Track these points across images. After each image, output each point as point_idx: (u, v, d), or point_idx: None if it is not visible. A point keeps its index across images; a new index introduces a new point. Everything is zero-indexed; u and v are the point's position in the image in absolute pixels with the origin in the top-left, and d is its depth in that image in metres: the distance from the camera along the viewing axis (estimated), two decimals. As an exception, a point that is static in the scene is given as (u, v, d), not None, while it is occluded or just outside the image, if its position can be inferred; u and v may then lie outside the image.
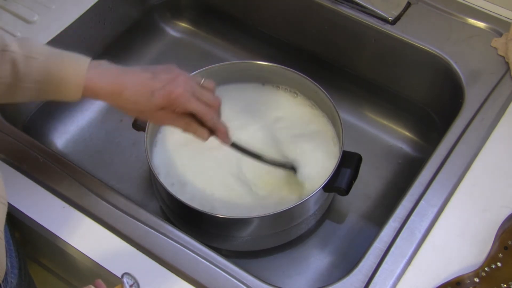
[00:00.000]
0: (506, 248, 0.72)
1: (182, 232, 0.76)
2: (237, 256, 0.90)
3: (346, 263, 0.89)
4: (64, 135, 1.06)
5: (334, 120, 0.91)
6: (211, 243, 0.82)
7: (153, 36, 1.18)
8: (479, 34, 0.96)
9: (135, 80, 0.70)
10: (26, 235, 0.83)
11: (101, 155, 1.03)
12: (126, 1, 1.10)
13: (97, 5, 1.02)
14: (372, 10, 0.98)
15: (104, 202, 0.78)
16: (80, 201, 0.78)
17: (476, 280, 0.70)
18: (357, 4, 0.99)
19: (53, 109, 1.04)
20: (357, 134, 1.05)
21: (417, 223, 0.76)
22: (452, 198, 0.78)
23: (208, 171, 0.89)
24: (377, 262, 0.73)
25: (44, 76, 0.66)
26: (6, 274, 0.72)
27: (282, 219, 0.84)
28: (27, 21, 0.98)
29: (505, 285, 0.69)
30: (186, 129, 0.73)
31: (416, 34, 0.96)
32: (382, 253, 0.74)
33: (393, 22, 0.97)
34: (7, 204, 0.67)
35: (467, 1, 1.00)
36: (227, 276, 0.72)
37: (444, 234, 0.75)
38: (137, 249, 0.75)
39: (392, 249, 0.74)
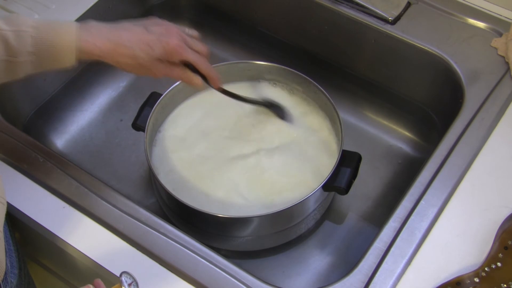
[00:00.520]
0: (506, 248, 0.72)
1: (182, 232, 0.76)
2: (236, 256, 0.90)
3: (346, 263, 0.89)
4: (64, 135, 1.06)
5: (333, 120, 0.91)
6: (211, 243, 0.82)
7: (153, 36, 1.18)
8: (479, 34, 0.96)
9: (129, 35, 0.71)
10: (26, 235, 0.83)
11: (101, 155, 1.03)
12: (126, 1, 1.11)
13: (97, 5, 1.02)
14: (372, 10, 0.98)
15: (104, 202, 0.78)
16: (80, 201, 0.78)
17: (476, 280, 0.70)
18: (357, 4, 0.99)
19: (53, 109, 1.04)
20: (357, 134, 1.05)
21: (417, 223, 0.76)
22: (452, 198, 0.78)
23: (208, 170, 0.89)
24: (377, 262, 0.73)
25: (37, 46, 0.67)
26: (6, 274, 0.72)
27: (281, 218, 0.84)
28: (27, 21, 0.98)
29: (505, 285, 0.69)
30: (181, 78, 0.77)
31: (416, 34, 0.96)
32: (382, 253, 0.74)
33: (393, 22, 0.97)
34: (6, 204, 0.67)
35: (467, 1, 1.00)
36: (227, 276, 0.72)
37: (444, 234, 0.75)
38: (137, 249, 0.75)
39: (392, 249, 0.74)
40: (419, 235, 0.75)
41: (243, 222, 0.83)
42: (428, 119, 1.02)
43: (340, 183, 0.82)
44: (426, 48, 0.95)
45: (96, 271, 0.74)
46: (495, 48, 0.94)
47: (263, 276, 0.75)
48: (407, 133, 1.05)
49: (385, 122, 1.07)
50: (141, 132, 0.88)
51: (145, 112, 0.90)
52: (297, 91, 0.97)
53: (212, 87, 0.81)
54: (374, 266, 0.73)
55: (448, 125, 0.86)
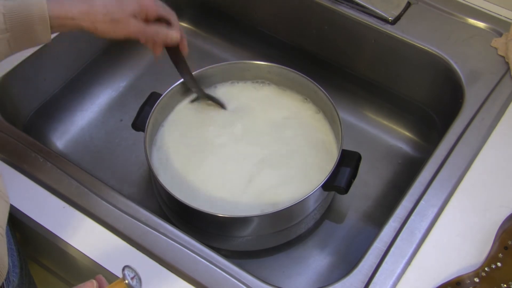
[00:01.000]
0: (506, 248, 0.72)
1: (182, 232, 0.76)
2: (236, 256, 0.90)
3: (346, 263, 0.89)
4: (64, 135, 1.06)
5: (333, 120, 0.91)
6: (211, 242, 0.82)
7: (153, 36, 1.18)
8: (479, 34, 0.96)
9: None
10: (26, 235, 0.83)
11: (101, 155, 1.04)
12: (126, 1, 1.10)
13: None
14: (372, 10, 0.98)
15: (104, 202, 0.78)
16: (80, 201, 0.78)
17: (476, 280, 0.70)
18: (357, 4, 0.99)
19: (53, 109, 1.04)
20: (357, 134, 1.05)
21: (417, 223, 0.76)
22: (452, 198, 0.78)
23: (207, 170, 0.89)
24: (377, 262, 0.73)
25: (10, 23, 0.67)
26: (8, 273, 0.72)
27: (281, 218, 0.84)
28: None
29: (505, 285, 0.69)
30: (158, 33, 0.77)
31: (416, 34, 0.96)
32: (382, 253, 0.74)
33: (393, 22, 0.97)
34: (9, 202, 0.67)
35: (467, 1, 1.00)
36: (227, 276, 0.72)
37: (444, 234, 0.75)
38: (137, 249, 0.75)
39: (392, 249, 0.74)
40: (419, 235, 0.75)
41: (243, 222, 0.83)
42: (428, 119, 1.02)
43: (340, 183, 0.82)
44: (426, 48, 0.95)
45: (96, 271, 0.74)
46: (495, 48, 0.94)
47: (263, 276, 0.75)
48: (407, 133, 1.05)
49: (385, 122, 1.07)
50: (141, 132, 0.88)
51: (145, 112, 0.90)
52: (297, 91, 0.97)
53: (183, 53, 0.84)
54: (374, 266, 0.73)
55: (448, 125, 0.86)
